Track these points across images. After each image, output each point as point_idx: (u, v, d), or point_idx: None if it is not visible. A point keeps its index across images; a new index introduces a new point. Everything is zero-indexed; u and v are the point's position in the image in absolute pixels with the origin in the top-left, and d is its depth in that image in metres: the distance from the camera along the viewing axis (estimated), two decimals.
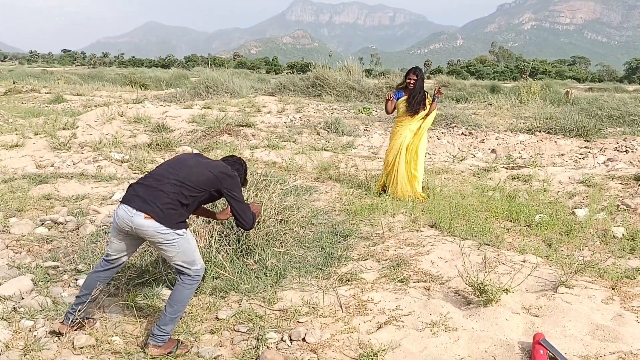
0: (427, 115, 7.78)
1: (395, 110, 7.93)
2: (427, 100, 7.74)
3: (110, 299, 4.41)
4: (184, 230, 3.65)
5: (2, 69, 53.11)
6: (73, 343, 3.68)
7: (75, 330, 3.82)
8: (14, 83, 26.91)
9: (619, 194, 7.71)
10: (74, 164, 9.10)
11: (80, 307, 3.79)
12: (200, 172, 3.73)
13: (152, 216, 3.53)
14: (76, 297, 3.86)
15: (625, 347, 3.65)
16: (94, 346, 3.68)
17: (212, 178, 3.75)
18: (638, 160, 10.42)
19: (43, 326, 3.91)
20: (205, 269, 3.87)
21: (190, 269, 3.69)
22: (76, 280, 4.71)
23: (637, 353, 3.58)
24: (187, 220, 3.77)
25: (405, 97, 7.75)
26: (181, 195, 3.63)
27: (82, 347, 3.66)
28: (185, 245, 3.65)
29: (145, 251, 5.08)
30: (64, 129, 12.01)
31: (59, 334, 3.77)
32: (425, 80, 8.42)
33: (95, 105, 16.79)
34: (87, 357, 3.58)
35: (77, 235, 5.80)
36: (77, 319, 3.79)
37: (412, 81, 7.67)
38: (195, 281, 3.73)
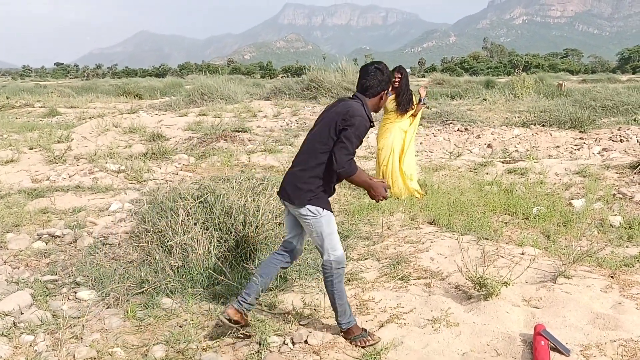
0: (414, 115, 7.82)
1: (383, 108, 7.96)
2: (414, 99, 7.78)
3: (109, 310, 4.40)
4: (318, 209, 3.62)
5: None
6: (74, 356, 3.66)
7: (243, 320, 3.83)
8: (7, 98, 26.87)
9: (614, 183, 7.73)
10: (69, 177, 9.08)
11: (253, 292, 3.83)
12: (322, 132, 3.64)
13: (287, 198, 3.70)
14: (250, 281, 3.89)
15: (626, 334, 3.65)
16: (94, 358, 3.67)
17: (332, 131, 3.57)
18: (632, 149, 10.44)
19: (43, 340, 3.89)
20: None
21: (324, 254, 3.68)
22: (75, 293, 4.70)
23: (638, 340, 3.58)
24: None
25: (392, 96, 7.78)
26: (314, 168, 3.62)
27: None
28: (319, 226, 3.63)
29: (143, 261, 5.08)
30: (58, 142, 11.99)
31: (232, 321, 3.75)
32: (410, 79, 8.52)
33: (90, 117, 16.78)
34: None
35: (75, 247, 5.79)
36: (247, 304, 3.82)
37: (397, 79, 7.69)
38: (329, 271, 3.69)
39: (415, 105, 7.77)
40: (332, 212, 3.72)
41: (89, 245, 5.74)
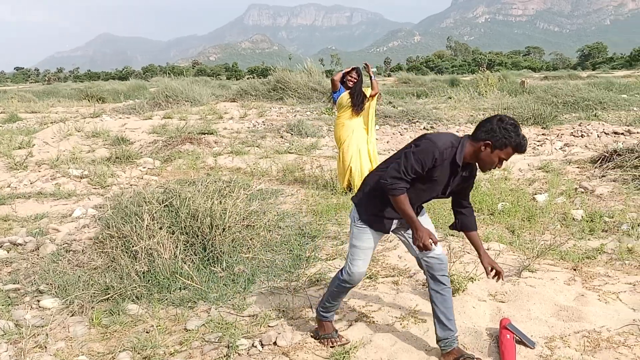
0: (371, 97, 7.87)
1: (337, 104, 7.95)
2: (366, 101, 7.83)
3: (74, 317, 4.31)
4: (356, 216, 3.51)
5: None
6: None
7: None
8: None
9: (576, 178, 7.90)
10: (31, 183, 8.88)
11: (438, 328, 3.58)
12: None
13: None
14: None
15: (589, 325, 3.73)
16: None
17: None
18: (593, 144, 10.67)
19: (6, 351, 3.80)
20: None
21: (345, 261, 3.63)
22: (38, 301, 4.59)
23: (600, 331, 3.67)
24: None
25: (347, 93, 7.79)
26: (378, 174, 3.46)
27: None
28: (350, 233, 3.58)
29: (108, 267, 5.00)
30: (19, 148, 11.74)
31: None
32: (377, 79, 8.62)
33: (52, 122, 16.45)
34: None
35: (38, 255, 5.66)
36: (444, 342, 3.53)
37: (353, 79, 7.72)
38: (341, 280, 3.61)
39: (367, 103, 7.83)
40: (376, 230, 3.48)
41: (51, 253, 5.62)
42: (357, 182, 7.81)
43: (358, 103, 7.73)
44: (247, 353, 3.73)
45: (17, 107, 24.86)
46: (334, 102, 8.02)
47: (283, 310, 4.31)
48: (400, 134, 13.13)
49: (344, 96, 7.80)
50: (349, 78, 7.75)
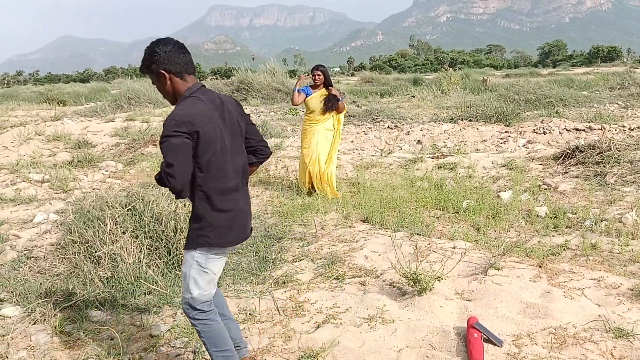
0: (337, 112, 7.82)
1: (304, 105, 7.94)
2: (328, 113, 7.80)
3: (36, 326, 4.19)
4: None
5: None
6: None
7: None
8: None
9: (539, 175, 8.02)
10: None
11: None
12: None
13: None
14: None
15: (555, 322, 3.78)
16: None
17: None
18: (555, 141, 10.87)
19: None
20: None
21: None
22: None
23: (567, 327, 3.71)
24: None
25: (315, 94, 7.75)
26: None
27: None
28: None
29: (71, 273, 4.88)
30: None
31: None
32: (340, 78, 8.60)
33: (11, 126, 15.99)
34: None
35: None
36: None
37: (317, 77, 7.71)
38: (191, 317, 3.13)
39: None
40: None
41: (12, 260, 5.48)
42: (316, 185, 7.80)
43: (331, 100, 7.67)
44: None
45: None
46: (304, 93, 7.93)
47: (249, 314, 4.27)
48: (365, 133, 13.16)
49: (310, 98, 7.76)
50: (313, 77, 7.73)
